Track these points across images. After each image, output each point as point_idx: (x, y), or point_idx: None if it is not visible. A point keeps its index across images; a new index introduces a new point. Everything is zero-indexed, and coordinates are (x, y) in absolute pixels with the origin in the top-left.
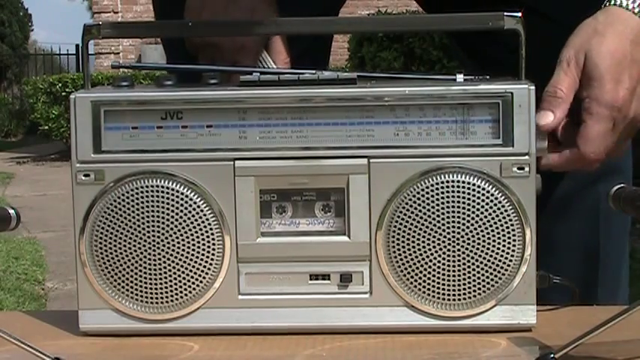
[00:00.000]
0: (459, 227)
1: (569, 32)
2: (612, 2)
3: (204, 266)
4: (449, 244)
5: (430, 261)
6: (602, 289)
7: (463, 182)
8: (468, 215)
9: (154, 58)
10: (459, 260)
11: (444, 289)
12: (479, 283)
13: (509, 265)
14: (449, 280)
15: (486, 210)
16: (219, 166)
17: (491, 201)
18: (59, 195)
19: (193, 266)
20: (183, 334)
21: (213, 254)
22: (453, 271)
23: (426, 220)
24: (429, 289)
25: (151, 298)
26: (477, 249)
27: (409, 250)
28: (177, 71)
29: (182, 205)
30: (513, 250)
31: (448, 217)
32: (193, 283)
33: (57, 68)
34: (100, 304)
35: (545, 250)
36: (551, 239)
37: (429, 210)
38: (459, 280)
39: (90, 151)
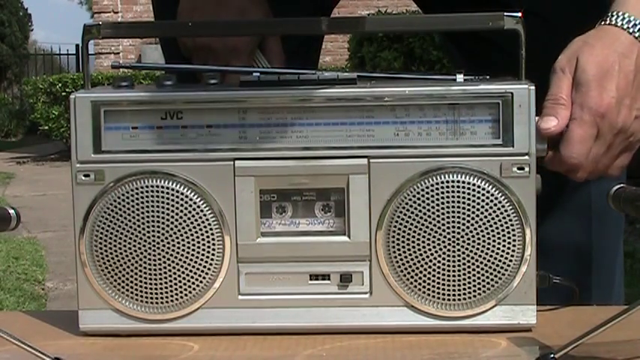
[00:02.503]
0: (459, 227)
1: (567, 35)
2: (607, 22)
3: (204, 266)
4: (449, 244)
5: (430, 261)
6: (596, 289)
7: (463, 182)
8: (468, 215)
9: (154, 58)
10: (459, 260)
11: (444, 289)
12: (479, 283)
13: (509, 265)
14: (449, 280)
15: (486, 210)
16: (219, 166)
17: (491, 201)
18: (59, 195)
19: (193, 266)
20: (184, 334)
21: (213, 254)
22: (453, 271)
23: (426, 220)
24: (429, 289)
25: (151, 298)
26: (477, 249)
27: (409, 250)
28: (177, 71)
29: (182, 205)
30: (513, 250)
31: (448, 217)
32: (193, 283)
33: (57, 68)
34: (100, 304)
35: (537, 251)
36: (542, 239)
37: (429, 210)
38: (459, 280)
39: (90, 151)
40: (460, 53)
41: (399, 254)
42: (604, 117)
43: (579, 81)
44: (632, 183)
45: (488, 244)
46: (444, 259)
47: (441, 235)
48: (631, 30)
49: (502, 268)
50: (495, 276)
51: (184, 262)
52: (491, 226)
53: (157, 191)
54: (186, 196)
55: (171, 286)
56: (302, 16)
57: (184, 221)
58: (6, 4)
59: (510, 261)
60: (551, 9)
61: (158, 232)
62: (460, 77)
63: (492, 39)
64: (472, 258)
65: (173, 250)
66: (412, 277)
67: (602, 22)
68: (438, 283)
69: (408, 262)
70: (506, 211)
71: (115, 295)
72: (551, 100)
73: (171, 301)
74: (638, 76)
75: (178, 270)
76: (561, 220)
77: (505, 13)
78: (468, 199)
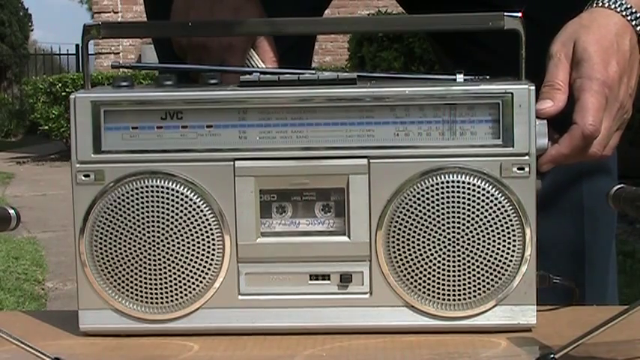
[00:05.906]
0: (459, 227)
1: (552, 34)
2: (595, 4)
3: (204, 266)
4: (449, 244)
5: (430, 261)
6: (589, 288)
7: (463, 182)
8: (468, 215)
9: (154, 58)
10: (459, 260)
11: (444, 289)
12: (479, 283)
13: (509, 265)
14: (449, 280)
15: (486, 210)
16: (219, 166)
17: (491, 201)
18: (59, 195)
19: (193, 266)
20: (184, 334)
21: (213, 254)
22: (453, 271)
23: (426, 220)
24: (429, 289)
25: (151, 298)
26: (477, 249)
27: (409, 250)
28: (176, 71)
29: (182, 205)
30: (513, 250)
31: (448, 218)
32: (193, 283)
33: (57, 68)
34: (100, 304)
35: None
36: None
37: (429, 210)
38: (459, 281)
39: (90, 152)
40: (448, 56)
41: (399, 254)
42: (611, 89)
43: (581, 58)
44: (632, 183)
45: (488, 244)
46: (443, 259)
47: (441, 235)
48: (624, 13)
49: (502, 268)
50: (495, 276)
51: (184, 262)
52: (491, 226)
53: (157, 191)
54: (186, 196)
55: (171, 286)
56: (295, 15)
57: (184, 221)
58: (6, 4)
59: (510, 261)
60: (538, 10)
61: (158, 232)
62: (460, 77)
63: (481, 40)
64: (472, 258)
65: (173, 250)
66: (412, 277)
67: (595, 4)
68: (438, 283)
69: (408, 262)
70: (506, 211)
71: (115, 295)
72: (547, 86)
73: (171, 301)
74: (632, 56)
75: (178, 270)
76: (554, 219)
77: (505, 13)
78: (468, 199)
